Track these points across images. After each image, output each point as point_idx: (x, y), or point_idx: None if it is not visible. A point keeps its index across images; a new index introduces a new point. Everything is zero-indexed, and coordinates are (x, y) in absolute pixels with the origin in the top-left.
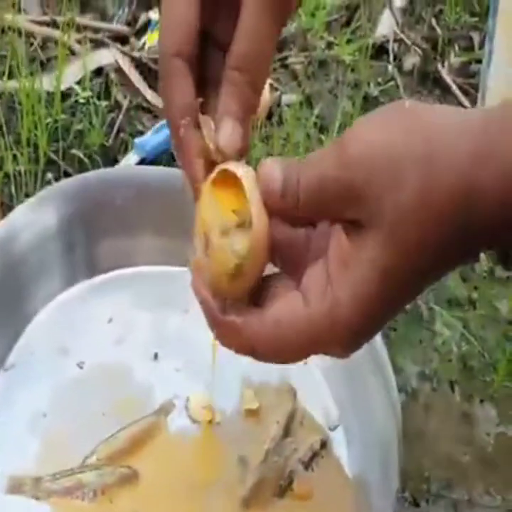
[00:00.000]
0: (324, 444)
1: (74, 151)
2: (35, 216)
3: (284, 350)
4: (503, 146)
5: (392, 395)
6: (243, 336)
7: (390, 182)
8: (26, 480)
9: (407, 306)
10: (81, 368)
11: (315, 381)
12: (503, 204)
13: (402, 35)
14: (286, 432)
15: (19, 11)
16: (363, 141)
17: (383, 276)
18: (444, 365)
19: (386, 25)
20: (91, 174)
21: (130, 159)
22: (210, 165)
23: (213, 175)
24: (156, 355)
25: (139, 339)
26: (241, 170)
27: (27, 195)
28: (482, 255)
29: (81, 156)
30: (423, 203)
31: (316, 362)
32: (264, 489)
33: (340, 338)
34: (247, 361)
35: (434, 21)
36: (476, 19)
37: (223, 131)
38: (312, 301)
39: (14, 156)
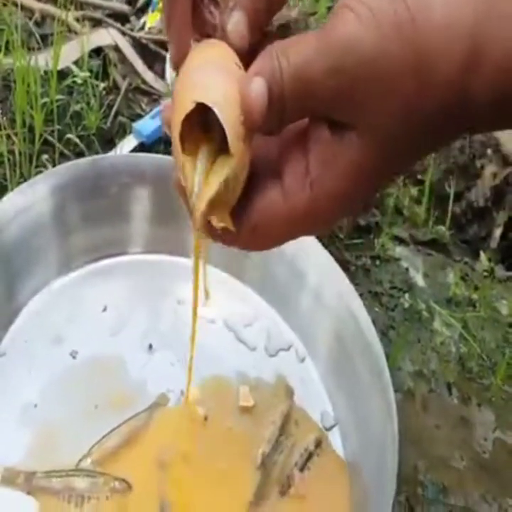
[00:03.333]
0: (319, 443)
1: (70, 135)
2: (29, 202)
3: (266, 244)
4: (493, 40)
5: (389, 396)
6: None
7: (381, 89)
8: (20, 473)
9: (406, 305)
10: (74, 357)
11: (312, 381)
12: (494, 105)
13: None
14: (282, 431)
15: None
16: (353, 43)
17: (365, 178)
18: (443, 365)
19: None
20: (86, 161)
21: (128, 143)
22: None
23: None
24: (150, 347)
25: (133, 330)
26: (217, 94)
27: (22, 176)
28: (482, 255)
29: (77, 141)
30: (414, 111)
31: (313, 362)
32: (263, 491)
33: (318, 227)
34: (243, 358)
35: None
36: None
37: (235, 17)
38: (291, 195)
39: (8, 136)
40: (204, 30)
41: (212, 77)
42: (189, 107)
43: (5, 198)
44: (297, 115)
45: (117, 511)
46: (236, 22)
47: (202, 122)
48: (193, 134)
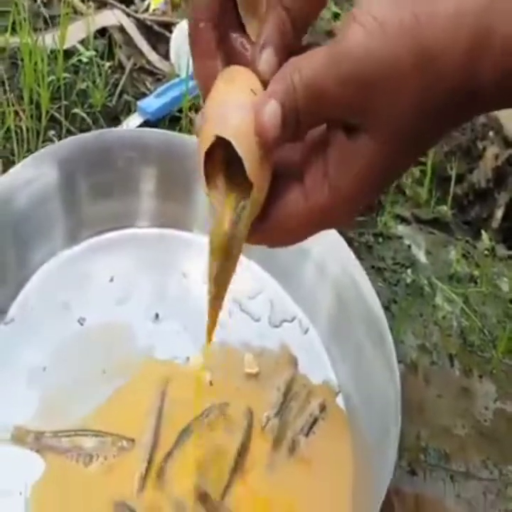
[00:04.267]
0: (323, 408)
1: (77, 110)
2: (37, 173)
3: (288, 241)
4: (499, 24)
5: (392, 363)
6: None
7: (390, 90)
8: (30, 432)
9: (408, 280)
10: (82, 324)
11: (315, 351)
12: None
13: None
14: (286, 397)
15: None
16: (361, 52)
17: (378, 177)
18: (444, 339)
19: None
20: (91, 134)
21: (133, 120)
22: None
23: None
24: (157, 316)
25: (139, 299)
26: (234, 127)
27: (29, 151)
28: (484, 234)
29: (83, 115)
30: (424, 107)
31: (317, 332)
32: (268, 454)
33: (336, 224)
34: (247, 328)
35: None
36: None
37: (265, 55)
38: (312, 197)
39: (16, 113)
40: (231, 55)
41: (233, 111)
42: (210, 140)
43: (12, 169)
44: (312, 124)
45: (124, 469)
46: (266, 60)
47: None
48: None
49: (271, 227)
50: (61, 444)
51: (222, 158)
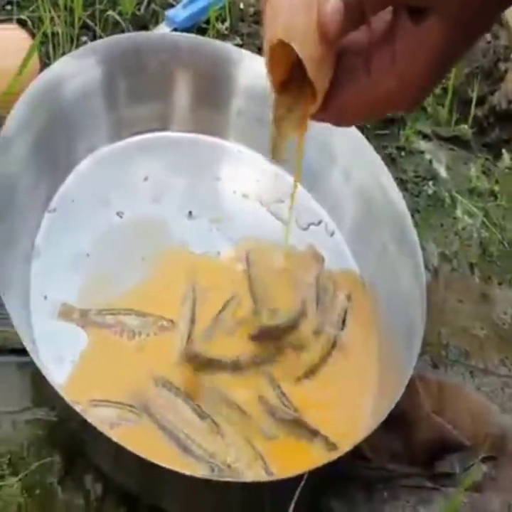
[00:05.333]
0: (350, 298)
1: (109, 12)
2: (81, 67)
3: (352, 121)
4: None
5: (417, 261)
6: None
7: None
8: (76, 309)
9: (430, 192)
10: (121, 217)
11: (341, 251)
12: None
13: None
14: (319, 293)
15: None
16: None
17: (443, 61)
18: (464, 249)
19: None
20: (125, 36)
21: (161, 30)
22: None
23: None
24: (190, 213)
25: (173, 198)
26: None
27: (64, 54)
28: (505, 153)
29: (117, 17)
30: None
31: (342, 235)
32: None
33: (398, 109)
34: (275, 229)
35: None
36: None
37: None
38: (378, 80)
39: (52, 18)
40: None
41: (295, 11)
42: (274, 42)
43: (57, 61)
44: (377, 9)
45: (164, 347)
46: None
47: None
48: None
49: (337, 106)
50: (105, 321)
51: (285, 53)
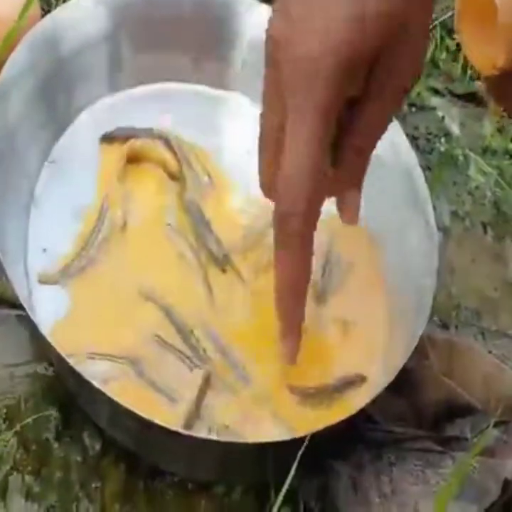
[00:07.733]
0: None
1: None
2: (83, 14)
3: None
4: None
5: (428, 220)
6: None
7: None
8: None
9: (442, 149)
10: None
11: None
12: None
13: None
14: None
15: None
16: None
17: None
18: (477, 208)
19: None
20: None
21: None
22: None
23: None
24: None
25: None
26: None
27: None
28: None
29: None
30: None
31: None
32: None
33: None
34: None
35: None
36: None
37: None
38: None
39: None
40: None
41: None
42: None
43: (58, 9)
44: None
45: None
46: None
47: None
48: None
49: None
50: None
51: None
